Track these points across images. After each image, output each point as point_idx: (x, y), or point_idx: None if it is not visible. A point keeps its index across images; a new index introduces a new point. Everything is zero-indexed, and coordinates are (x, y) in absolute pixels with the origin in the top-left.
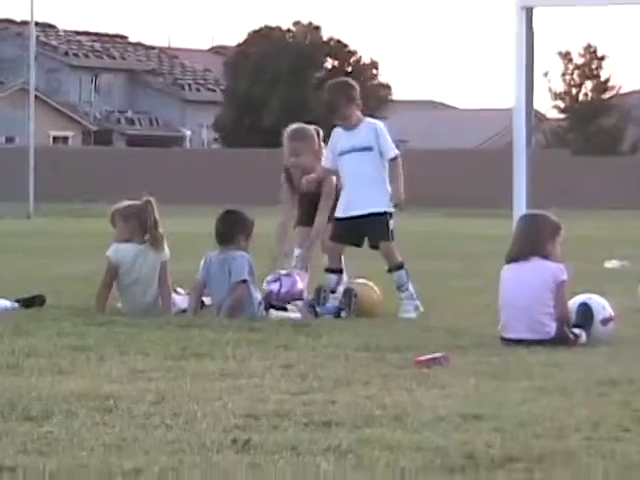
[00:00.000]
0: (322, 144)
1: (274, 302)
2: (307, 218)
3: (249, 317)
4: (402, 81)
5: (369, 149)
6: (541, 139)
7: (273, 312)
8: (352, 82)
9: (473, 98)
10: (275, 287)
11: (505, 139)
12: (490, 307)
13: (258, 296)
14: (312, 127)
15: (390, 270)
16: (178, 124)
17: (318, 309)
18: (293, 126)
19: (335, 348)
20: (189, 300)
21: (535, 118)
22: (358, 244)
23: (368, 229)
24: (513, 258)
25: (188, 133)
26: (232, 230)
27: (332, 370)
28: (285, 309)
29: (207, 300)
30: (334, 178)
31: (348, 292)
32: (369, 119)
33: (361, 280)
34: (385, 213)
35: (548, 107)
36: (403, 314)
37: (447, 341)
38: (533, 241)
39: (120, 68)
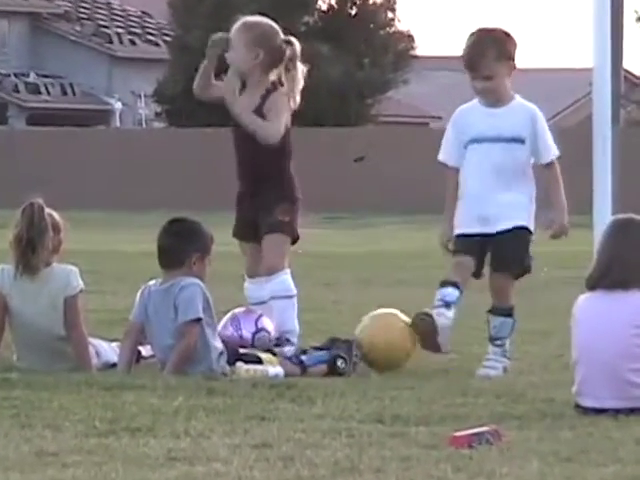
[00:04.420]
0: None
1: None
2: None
3: (206, 373)
4: (428, 30)
5: (520, 141)
6: (634, 113)
7: (242, 366)
8: (509, 33)
9: (532, 53)
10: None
11: (581, 113)
12: (560, 359)
13: (217, 344)
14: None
15: (493, 312)
16: (103, 93)
17: (304, 357)
18: None
19: (333, 419)
20: (120, 350)
21: (625, 82)
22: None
23: (498, 247)
24: (600, 284)
25: (118, 106)
26: (180, 247)
27: (329, 451)
28: (260, 361)
29: (146, 350)
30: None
31: (347, 342)
32: (522, 100)
33: (384, 310)
34: (528, 230)
35: None
36: (483, 371)
37: (497, 409)
38: (635, 261)
39: (18, 11)
